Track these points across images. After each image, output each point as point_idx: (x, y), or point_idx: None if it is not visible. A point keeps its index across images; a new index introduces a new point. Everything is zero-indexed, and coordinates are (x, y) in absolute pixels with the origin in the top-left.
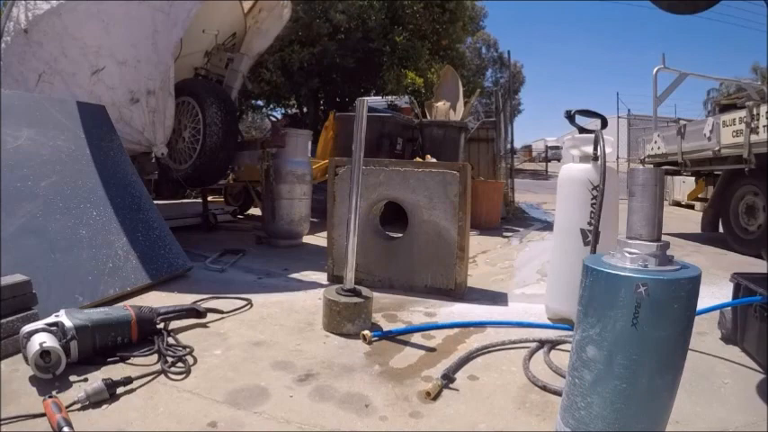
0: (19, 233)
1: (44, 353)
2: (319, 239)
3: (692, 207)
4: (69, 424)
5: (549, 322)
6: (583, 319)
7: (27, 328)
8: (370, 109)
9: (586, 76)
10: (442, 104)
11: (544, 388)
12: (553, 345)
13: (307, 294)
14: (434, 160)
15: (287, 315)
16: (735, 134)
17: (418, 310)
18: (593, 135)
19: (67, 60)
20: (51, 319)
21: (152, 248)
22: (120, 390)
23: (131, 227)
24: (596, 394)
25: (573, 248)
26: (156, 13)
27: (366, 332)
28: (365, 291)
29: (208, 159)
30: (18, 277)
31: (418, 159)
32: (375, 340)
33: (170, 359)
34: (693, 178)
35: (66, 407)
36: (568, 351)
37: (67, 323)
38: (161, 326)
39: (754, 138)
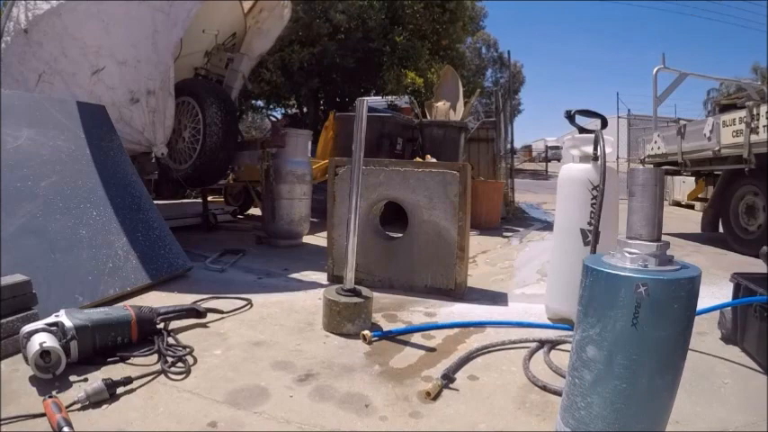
0: (19, 233)
1: (44, 353)
2: (319, 239)
3: (692, 207)
4: (69, 424)
5: (549, 322)
6: (583, 319)
7: (27, 328)
8: (370, 109)
9: (586, 76)
10: (442, 104)
11: (544, 388)
12: (553, 345)
13: (307, 294)
14: (434, 160)
15: (287, 315)
16: (735, 134)
17: (418, 310)
18: (593, 135)
19: (67, 60)
20: (51, 319)
21: (152, 248)
22: (120, 390)
23: (131, 227)
24: (596, 394)
25: (573, 248)
26: (156, 13)
27: (366, 332)
28: (365, 291)
29: (208, 159)
30: (18, 277)
31: (418, 159)
32: (375, 340)
33: (170, 359)
34: (693, 178)
35: (67, 407)
36: (568, 351)
37: (67, 323)
38: (161, 326)
39: (754, 138)
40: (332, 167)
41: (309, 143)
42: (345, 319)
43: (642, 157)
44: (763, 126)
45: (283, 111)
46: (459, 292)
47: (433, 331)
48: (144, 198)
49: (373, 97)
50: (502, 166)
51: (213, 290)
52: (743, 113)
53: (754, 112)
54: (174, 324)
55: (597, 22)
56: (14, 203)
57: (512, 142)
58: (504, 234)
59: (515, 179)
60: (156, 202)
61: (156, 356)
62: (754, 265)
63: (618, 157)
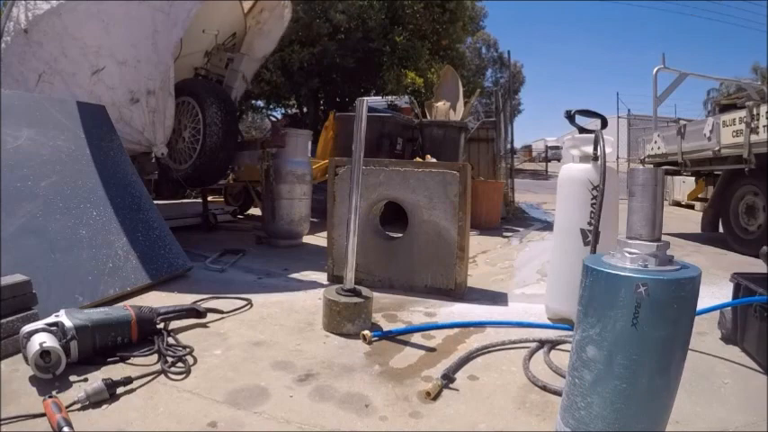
0: (19, 233)
1: (44, 353)
2: (319, 239)
3: (692, 207)
4: (69, 424)
5: (549, 322)
6: (583, 319)
7: (27, 328)
8: (370, 109)
9: (586, 76)
10: (442, 104)
11: (544, 388)
12: (553, 345)
13: (307, 294)
14: (434, 160)
15: (287, 315)
16: (735, 134)
17: (418, 310)
18: (593, 135)
19: (67, 60)
20: (51, 319)
21: (152, 248)
22: (120, 390)
23: (131, 227)
24: (596, 394)
25: (573, 248)
26: (156, 13)
27: (366, 332)
28: (365, 291)
29: (208, 159)
30: (18, 277)
31: (418, 159)
32: (375, 340)
33: (170, 359)
34: (693, 178)
35: (67, 407)
36: (568, 351)
37: (67, 323)
38: (161, 326)
39: (754, 138)
40: (332, 167)
41: (309, 143)
42: (345, 319)
43: (642, 157)
44: (763, 126)
45: (283, 111)
46: (459, 292)
47: (433, 331)
48: (144, 198)
49: (373, 97)
50: (502, 166)
51: (213, 290)
52: (743, 113)
53: (754, 112)
54: (174, 324)
55: (597, 22)
56: (14, 203)
57: (512, 142)
58: (504, 234)
59: (515, 179)
60: (156, 202)
61: (156, 356)
62: (754, 265)
63: (618, 157)
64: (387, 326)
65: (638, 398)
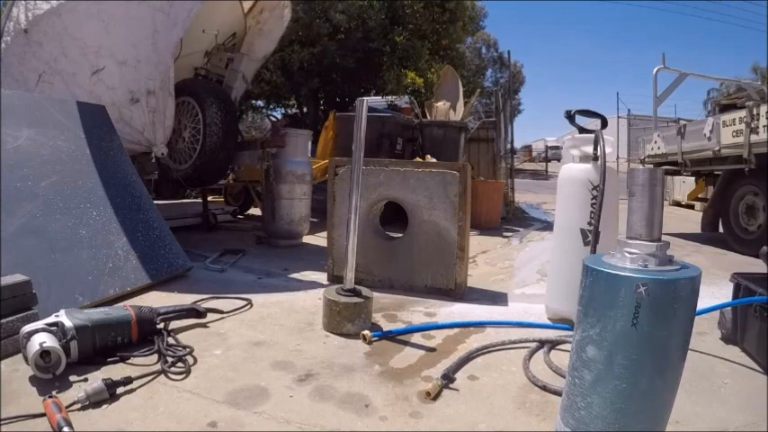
0: (19, 233)
1: (44, 353)
2: (319, 239)
3: (692, 207)
4: (69, 424)
5: (549, 322)
6: (583, 319)
7: (27, 328)
8: (370, 109)
9: (586, 76)
10: (442, 104)
11: (544, 388)
12: (553, 345)
13: (307, 294)
14: (434, 160)
15: (287, 315)
16: (735, 134)
17: (418, 310)
18: (593, 135)
19: (67, 60)
20: (51, 319)
21: (152, 248)
22: (120, 390)
23: (131, 227)
24: (596, 394)
25: (573, 248)
26: (156, 13)
27: (366, 332)
28: (365, 291)
29: (208, 159)
30: (18, 277)
31: (418, 159)
32: (375, 340)
33: (170, 359)
34: (693, 178)
35: (67, 407)
36: (568, 351)
37: (67, 323)
38: (161, 326)
39: (754, 138)
40: (332, 167)
41: (309, 143)
42: (345, 319)
43: (642, 157)
44: (763, 126)
45: (283, 111)
46: (459, 292)
47: (433, 331)
48: (144, 198)
49: (373, 97)
50: (502, 166)
51: (213, 290)
52: (743, 113)
53: (754, 112)
54: (174, 324)
55: (597, 22)
56: (14, 203)
57: (512, 142)
58: (504, 234)
59: (515, 179)
60: (156, 202)
61: (156, 356)
62: (754, 265)
63: (618, 157)
64: (387, 326)
65: (638, 398)
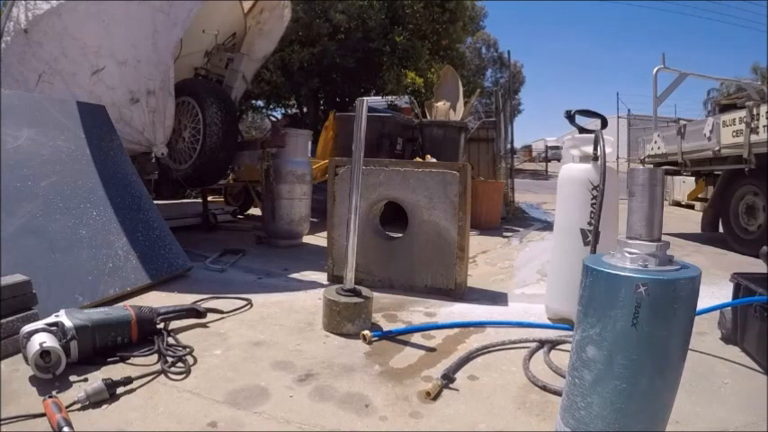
0: (19, 233)
1: (44, 353)
2: (319, 239)
3: (692, 207)
4: (69, 424)
5: (549, 322)
6: (583, 319)
7: (27, 328)
8: (370, 109)
9: (586, 76)
10: (442, 104)
11: (544, 388)
12: (553, 345)
13: (307, 294)
14: (434, 160)
15: (287, 315)
16: (735, 134)
17: (418, 310)
18: (593, 135)
19: (67, 60)
20: (51, 319)
21: (152, 248)
22: (120, 390)
23: (131, 227)
24: (596, 394)
25: (573, 248)
26: (156, 13)
27: (366, 332)
28: (365, 291)
29: (208, 159)
30: (18, 277)
31: (418, 159)
32: (375, 340)
33: (170, 359)
34: (693, 178)
35: (67, 407)
36: (568, 351)
37: (67, 323)
38: (161, 326)
39: (754, 138)
40: (332, 167)
41: (309, 143)
42: (345, 319)
43: (642, 157)
44: (763, 126)
45: (283, 111)
46: (459, 292)
47: (433, 331)
48: (144, 198)
49: (373, 97)
50: (502, 166)
51: (213, 290)
52: (743, 113)
53: (754, 112)
54: (174, 324)
55: (597, 22)
56: (14, 203)
57: (512, 142)
58: (504, 234)
59: (515, 179)
60: (156, 202)
61: (156, 356)
62: (754, 265)
63: (618, 157)
64: (387, 326)
65: (638, 398)
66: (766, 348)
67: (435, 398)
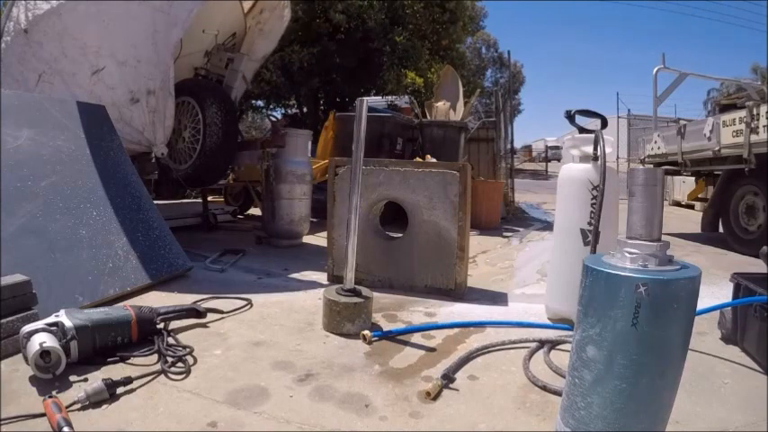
0: (19, 233)
1: (44, 353)
2: (319, 239)
3: (692, 207)
4: (69, 424)
5: (549, 322)
6: (583, 319)
7: (27, 328)
8: (370, 109)
9: (586, 76)
10: (442, 104)
11: (544, 388)
12: (553, 345)
13: (307, 294)
14: (434, 160)
15: (287, 315)
16: (735, 134)
17: (418, 310)
18: (593, 135)
19: (67, 60)
20: (51, 319)
21: (152, 248)
22: (120, 390)
23: (131, 227)
24: (596, 394)
25: (573, 248)
26: (156, 13)
27: (366, 332)
28: (365, 291)
29: (208, 159)
30: (18, 277)
31: (418, 159)
32: (375, 340)
33: (170, 359)
34: (693, 178)
35: (67, 407)
36: (568, 351)
37: (67, 323)
38: (161, 326)
39: (754, 138)
40: (332, 167)
41: (309, 143)
42: (345, 319)
43: (642, 157)
44: (763, 126)
45: (283, 111)
46: (459, 292)
47: (433, 331)
48: (144, 198)
49: (373, 97)
50: (502, 166)
51: (213, 290)
52: (743, 113)
53: (754, 112)
54: (174, 324)
55: (597, 22)
56: (14, 203)
57: (512, 142)
58: (504, 234)
59: (515, 179)
60: (156, 202)
61: (156, 356)
62: (754, 265)
63: (618, 157)
64: (387, 326)
65: (638, 398)
66: (766, 348)
67: (435, 398)
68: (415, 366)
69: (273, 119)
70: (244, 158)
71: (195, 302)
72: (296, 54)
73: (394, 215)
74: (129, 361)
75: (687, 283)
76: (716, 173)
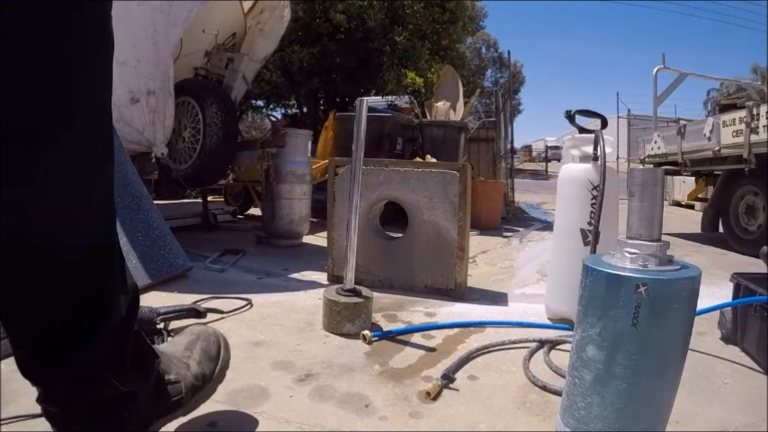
0: None
1: None
2: (319, 239)
3: (692, 207)
4: None
5: (549, 322)
6: (583, 319)
7: None
8: (370, 109)
9: (586, 76)
10: (442, 104)
11: (544, 388)
12: (553, 345)
13: (307, 294)
14: (434, 160)
15: (287, 315)
16: (735, 134)
17: (418, 310)
18: (593, 135)
19: None
20: None
21: (152, 248)
22: None
23: (131, 227)
24: (596, 394)
25: (573, 248)
26: (156, 13)
27: (366, 332)
28: (365, 291)
29: (208, 159)
30: None
31: (418, 159)
32: (375, 340)
33: None
34: (693, 178)
35: None
36: (568, 351)
37: None
38: (161, 326)
39: (754, 138)
40: (332, 167)
41: (309, 143)
42: (345, 319)
43: (642, 157)
44: (763, 126)
45: (283, 111)
46: (459, 292)
47: (433, 331)
48: (144, 198)
49: (373, 97)
50: (502, 166)
51: (213, 290)
52: (743, 113)
53: (754, 112)
54: (174, 324)
55: (597, 22)
56: None
57: (512, 142)
58: (504, 234)
59: (515, 179)
60: (156, 202)
61: None
62: (754, 265)
63: (618, 157)
64: (387, 326)
65: (638, 398)
66: (766, 348)
67: (435, 398)
68: (415, 366)
69: (273, 119)
70: (244, 158)
71: (195, 302)
72: (296, 54)
73: (394, 215)
74: None
75: (687, 283)
76: (716, 173)
